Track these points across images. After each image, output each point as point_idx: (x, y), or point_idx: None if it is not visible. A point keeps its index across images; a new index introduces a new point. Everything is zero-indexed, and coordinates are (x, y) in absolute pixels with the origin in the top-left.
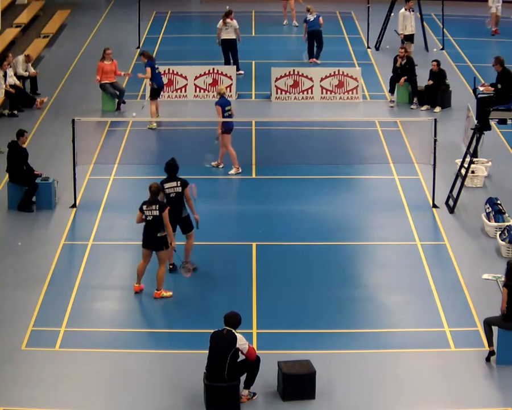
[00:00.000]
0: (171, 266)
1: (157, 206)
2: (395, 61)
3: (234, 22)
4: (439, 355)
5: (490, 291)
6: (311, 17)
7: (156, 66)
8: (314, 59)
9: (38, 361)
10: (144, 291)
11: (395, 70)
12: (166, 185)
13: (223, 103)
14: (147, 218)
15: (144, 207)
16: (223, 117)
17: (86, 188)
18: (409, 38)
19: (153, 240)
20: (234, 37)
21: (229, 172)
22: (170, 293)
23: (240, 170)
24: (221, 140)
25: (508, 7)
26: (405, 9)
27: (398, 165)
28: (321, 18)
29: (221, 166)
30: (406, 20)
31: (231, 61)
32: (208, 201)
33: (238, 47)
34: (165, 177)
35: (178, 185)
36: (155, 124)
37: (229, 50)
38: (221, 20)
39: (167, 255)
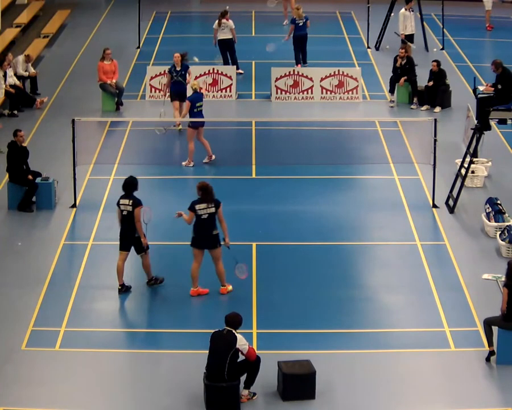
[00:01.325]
0: (120, 288)
1: (213, 203)
2: (395, 61)
3: (230, 22)
4: (439, 355)
5: (490, 291)
6: (300, 22)
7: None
8: (300, 64)
9: (38, 361)
10: (143, 292)
11: (395, 70)
12: (121, 202)
13: (193, 99)
14: (202, 217)
15: (199, 207)
16: (192, 112)
17: (86, 188)
18: (409, 38)
19: (209, 238)
20: (230, 37)
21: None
22: (231, 287)
23: (192, 165)
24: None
25: (509, 7)
26: (405, 10)
27: (398, 165)
28: (308, 21)
29: (212, 158)
30: (406, 20)
31: (230, 61)
32: None
33: (238, 47)
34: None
35: (130, 204)
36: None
37: (227, 51)
38: (217, 21)
39: (221, 252)
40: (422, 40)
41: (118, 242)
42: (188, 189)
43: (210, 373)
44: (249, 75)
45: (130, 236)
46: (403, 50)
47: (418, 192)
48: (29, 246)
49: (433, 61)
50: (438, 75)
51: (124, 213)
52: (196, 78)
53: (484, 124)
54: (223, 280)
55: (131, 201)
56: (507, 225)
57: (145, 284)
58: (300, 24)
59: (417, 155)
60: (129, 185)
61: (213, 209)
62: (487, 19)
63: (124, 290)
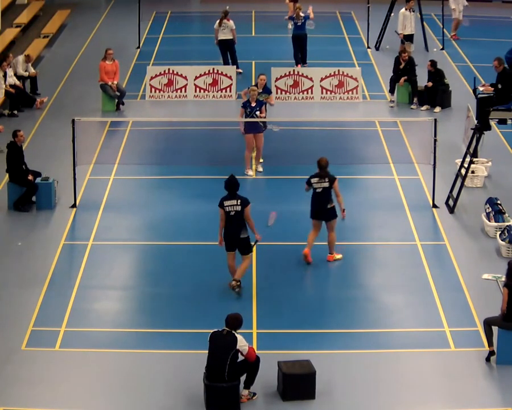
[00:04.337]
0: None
1: (327, 179)
2: (397, 62)
3: (231, 23)
4: (439, 355)
5: (490, 291)
6: (298, 21)
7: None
8: (300, 65)
9: (38, 361)
10: (143, 291)
11: (396, 70)
12: (227, 203)
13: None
14: (316, 191)
15: (314, 180)
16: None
17: (86, 188)
18: (408, 38)
19: (323, 211)
20: (230, 37)
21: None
22: (341, 256)
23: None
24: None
25: (508, 7)
26: (406, 9)
27: (398, 165)
28: (309, 21)
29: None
30: (406, 20)
31: (230, 61)
32: (208, 201)
33: (238, 47)
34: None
35: (238, 203)
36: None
37: (227, 51)
38: (217, 21)
39: (336, 223)
40: (422, 40)
41: (118, 242)
42: (187, 189)
43: (210, 374)
44: (249, 75)
45: (237, 237)
46: (406, 55)
47: (418, 192)
48: (29, 246)
49: (428, 61)
50: (435, 75)
51: (232, 213)
52: (196, 78)
53: (484, 124)
54: (332, 248)
55: (239, 200)
56: (507, 225)
57: (144, 283)
58: (298, 24)
59: (417, 155)
60: (234, 185)
61: (326, 184)
62: (454, 27)
63: (239, 285)
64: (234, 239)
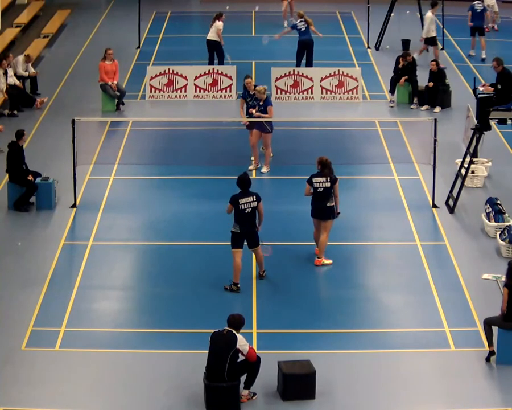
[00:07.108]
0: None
1: (329, 178)
2: (397, 62)
3: (218, 23)
4: (439, 355)
5: (490, 291)
6: (302, 27)
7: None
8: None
9: (38, 361)
10: (143, 291)
11: (396, 70)
12: (243, 200)
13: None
14: (317, 190)
15: (316, 180)
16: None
17: (86, 188)
18: (433, 40)
19: (323, 209)
20: (215, 38)
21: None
22: (331, 261)
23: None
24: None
25: (509, 7)
26: (432, 13)
27: (398, 166)
28: (312, 27)
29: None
30: (432, 24)
31: (216, 61)
32: (208, 201)
33: (238, 47)
34: (238, 192)
35: (254, 199)
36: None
37: (212, 51)
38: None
39: (332, 225)
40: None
41: (118, 242)
42: (187, 189)
43: (210, 373)
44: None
45: (252, 231)
46: (410, 57)
47: (418, 192)
48: (29, 246)
49: (431, 61)
50: (437, 75)
51: (248, 211)
52: (196, 78)
53: (484, 124)
54: (322, 252)
55: (254, 196)
56: (507, 225)
57: (145, 283)
58: (302, 29)
59: (417, 155)
60: (248, 181)
61: (328, 185)
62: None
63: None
64: (249, 234)
